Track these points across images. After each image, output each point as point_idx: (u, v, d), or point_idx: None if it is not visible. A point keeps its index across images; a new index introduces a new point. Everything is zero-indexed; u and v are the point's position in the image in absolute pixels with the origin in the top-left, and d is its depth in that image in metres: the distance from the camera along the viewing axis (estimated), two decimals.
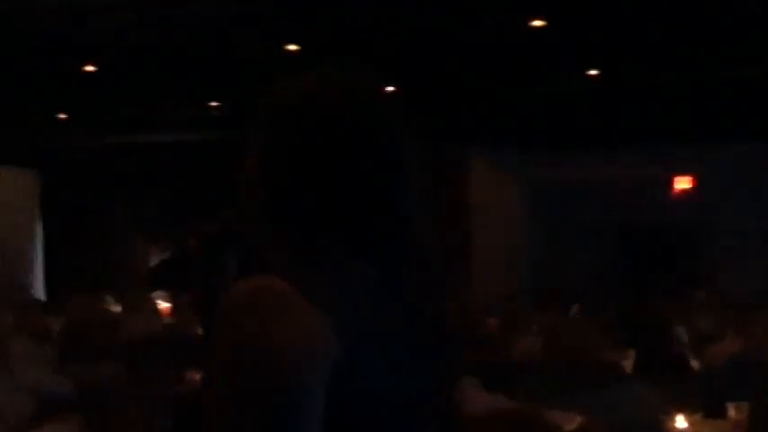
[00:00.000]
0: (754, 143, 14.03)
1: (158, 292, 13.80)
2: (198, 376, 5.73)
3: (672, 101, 12.27)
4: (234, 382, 1.23)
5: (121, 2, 9.09)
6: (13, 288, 13.90)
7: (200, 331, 8.00)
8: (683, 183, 15.58)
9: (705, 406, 4.97)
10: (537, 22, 9.32)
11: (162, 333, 7.65)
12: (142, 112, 13.79)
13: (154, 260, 16.53)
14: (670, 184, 15.62)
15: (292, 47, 10.50)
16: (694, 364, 6.47)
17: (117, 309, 11.75)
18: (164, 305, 12.34)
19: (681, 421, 4.53)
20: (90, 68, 11.53)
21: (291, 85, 1.50)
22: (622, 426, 3.71)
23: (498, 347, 6.32)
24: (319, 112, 1.43)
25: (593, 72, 11.26)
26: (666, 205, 15.46)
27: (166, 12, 9.51)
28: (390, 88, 12.01)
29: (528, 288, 13.96)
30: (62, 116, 14.34)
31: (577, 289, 11.73)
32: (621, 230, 15.47)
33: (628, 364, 5.54)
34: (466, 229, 14.22)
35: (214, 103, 13.56)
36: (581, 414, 3.67)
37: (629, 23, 9.53)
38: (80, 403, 4.93)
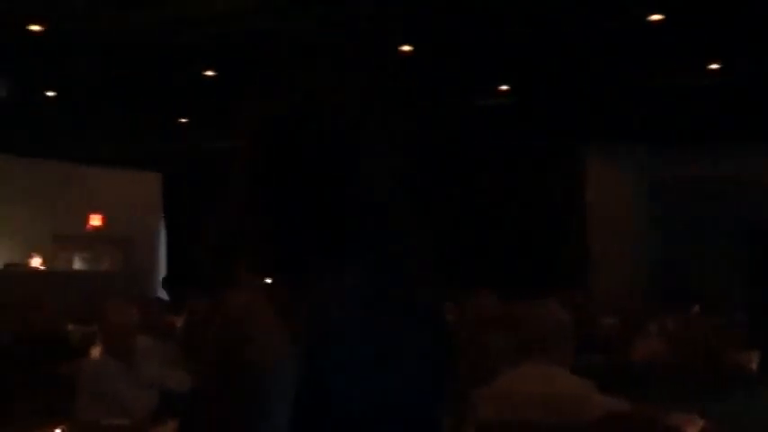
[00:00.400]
0: None
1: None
2: None
3: None
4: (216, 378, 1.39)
5: (237, 10, 9.26)
6: (137, 287, 14.31)
7: None
8: None
9: None
10: (655, 17, 9.14)
11: None
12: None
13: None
14: None
15: (406, 47, 10.52)
16: None
17: None
18: None
19: None
20: (209, 73, 11.80)
21: (272, 98, 1.58)
22: (746, 430, 3.60)
23: (617, 349, 6.19)
24: (300, 125, 1.48)
25: (713, 66, 10.96)
26: None
27: (281, 17, 9.67)
28: (505, 87, 11.92)
29: (648, 289, 13.66)
30: (183, 120, 14.72)
31: (700, 289, 11.42)
32: (751, 229, 14.91)
33: (753, 366, 5.36)
34: (583, 228, 14.00)
35: None
36: (703, 417, 3.57)
37: (748, 15, 9.23)
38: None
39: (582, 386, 3.85)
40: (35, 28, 9.83)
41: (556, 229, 13.82)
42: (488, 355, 4.55)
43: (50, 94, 12.56)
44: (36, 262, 14.31)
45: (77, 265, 15.63)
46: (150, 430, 4.55)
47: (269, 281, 1.50)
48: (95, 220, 16.29)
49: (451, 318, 8.68)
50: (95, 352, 6.90)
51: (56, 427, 4.27)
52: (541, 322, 4.00)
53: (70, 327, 9.51)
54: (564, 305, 4.43)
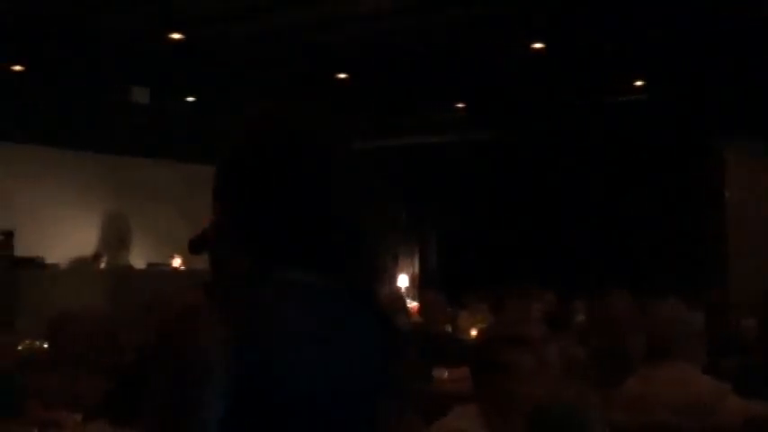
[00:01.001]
0: None
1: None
2: (445, 374, 5.81)
3: None
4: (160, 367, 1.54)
5: (370, 11, 9.36)
6: None
7: (448, 329, 8.12)
8: None
9: None
10: None
11: (410, 330, 7.79)
12: (389, 117, 14.12)
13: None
14: None
15: (538, 45, 10.44)
16: None
17: None
18: (412, 304, 12.58)
19: None
20: (342, 76, 11.97)
21: (243, 125, 1.75)
22: None
23: (755, 350, 5.98)
24: (264, 152, 1.65)
25: None
26: None
27: (414, 18, 9.72)
28: (640, 82, 11.65)
29: None
30: None
31: None
32: None
33: None
34: (721, 224, 13.56)
35: (460, 105, 13.69)
36: None
37: None
38: None
39: (717, 388, 3.75)
40: (175, 36, 10.18)
41: (693, 227, 13.45)
42: (624, 356, 4.48)
43: (190, 99, 12.99)
44: (177, 262, 14.75)
45: None
46: None
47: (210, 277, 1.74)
48: None
49: (585, 318, 8.55)
50: None
51: None
52: (670, 322, 3.92)
53: None
54: (699, 305, 4.33)
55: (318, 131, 1.70)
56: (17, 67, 10.94)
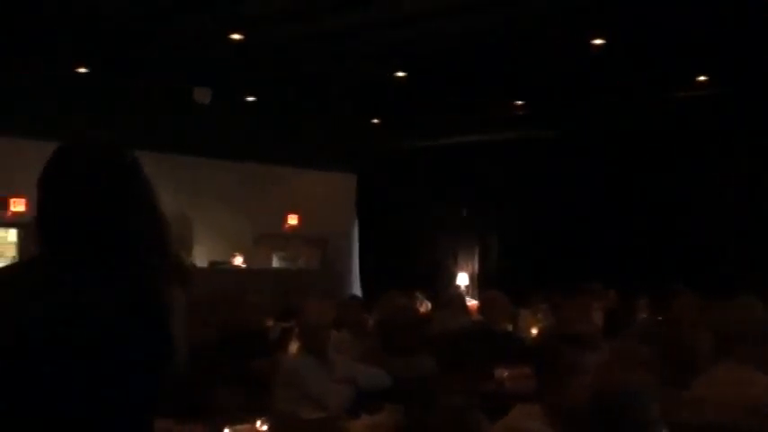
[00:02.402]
0: None
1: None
2: (506, 373, 5.78)
3: None
4: None
5: (428, 10, 9.34)
6: (333, 284, 14.68)
7: (509, 328, 8.09)
8: None
9: None
10: None
11: (471, 329, 7.77)
12: (449, 115, 14.09)
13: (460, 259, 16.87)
14: None
15: (598, 41, 10.32)
16: None
17: (428, 305, 12.12)
18: (473, 302, 12.55)
19: None
20: (400, 74, 11.97)
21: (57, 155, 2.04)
22: None
23: None
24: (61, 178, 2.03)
25: None
26: None
27: (473, 16, 9.68)
28: (703, 78, 11.42)
29: None
30: (376, 121, 14.98)
31: None
32: None
33: None
34: None
35: (519, 102, 13.61)
36: None
37: None
38: (395, 396, 5.10)
39: None
40: (236, 37, 10.27)
41: (760, 225, 13.19)
42: (689, 356, 4.42)
43: (250, 99, 13.09)
44: (238, 260, 14.92)
45: (275, 263, 16.18)
46: (344, 425, 4.66)
47: None
48: (292, 220, 16.83)
49: (649, 317, 8.45)
50: (293, 348, 7.13)
51: (256, 420, 4.44)
52: (736, 322, 3.86)
53: (269, 323, 9.84)
54: (766, 305, 4.25)
55: (88, 158, 2.05)
56: (82, 69, 11.13)
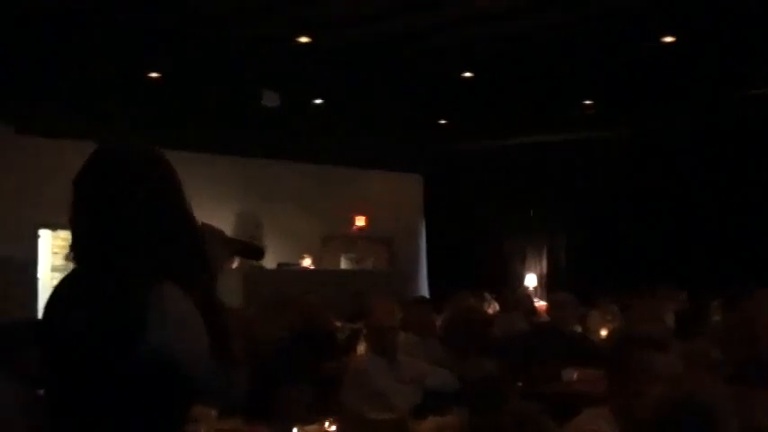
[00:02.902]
0: None
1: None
2: (574, 375, 5.73)
3: None
4: None
5: (495, 10, 9.31)
6: (401, 285, 14.68)
7: (578, 329, 8.01)
8: None
9: None
10: None
11: (539, 330, 7.72)
12: (516, 115, 14.02)
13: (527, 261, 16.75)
14: None
15: (669, 39, 10.18)
16: None
17: (495, 306, 12.06)
18: (540, 303, 12.46)
19: None
20: (468, 74, 11.94)
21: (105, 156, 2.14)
22: None
23: None
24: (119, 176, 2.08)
25: None
26: None
27: (540, 16, 9.63)
28: None
29: None
30: (443, 121, 14.96)
31: None
32: None
33: None
34: None
35: (588, 102, 13.48)
36: None
37: None
38: (462, 397, 5.08)
39: None
40: (303, 39, 10.35)
41: None
42: (764, 359, 4.33)
43: (317, 101, 13.17)
44: (306, 262, 15.00)
45: (343, 264, 16.24)
46: (412, 426, 4.67)
47: None
48: (360, 221, 16.88)
49: (722, 319, 8.29)
50: (361, 349, 7.16)
51: (324, 421, 4.47)
52: None
53: (338, 324, 9.89)
54: None
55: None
56: (153, 74, 11.32)
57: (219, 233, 2.28)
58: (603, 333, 8.81)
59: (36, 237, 12.52)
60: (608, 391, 3.18)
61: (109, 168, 2.10)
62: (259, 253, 2.61)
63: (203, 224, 2.26)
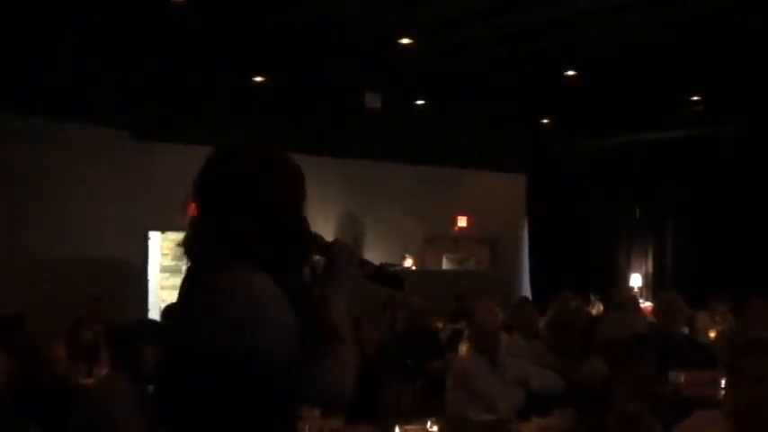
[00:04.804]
0: None
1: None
2: (682, 377, 5.61)
3: None
4: None
5: (599, 8, 9.21)
6: (503, 286, 14.60)
7: (685, 331, 7.85)
8: None
9: None
10: None
11: (645, 332, 7.58)
12: (621, 113, 13.80)
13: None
14: None
15: None
16: None
17: (600, 307, 11.91)
18: (646, 304, 12.24)
19: None
20: (571, 73, 11.81)
21: (225, 159, 2.20)
22: None
23: None
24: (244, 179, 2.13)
25: None
26: None
27: (647, 12, 9.48)
28: None
29: None
30: (545, 121, 14.83)
31: None
32: None
33: None
34: None
35: (695, 98, 13.17)
36: None
37: None
38: (567, 399, 5.04)
39: None
40: (405, 41, 10.39)
41: None
42: None
43: (419, 102, 13.21)
44: (408, 263, 15.06)
45: (445, 265, 16.24)
46: (515, 427, 4.65)
47: None
48: (462, 222, 16.84)
49: None
50: (463, 349, 7.16)
51: (426, 421, 4.49)
52: None
53: (440, 325, 9.91)
54: None
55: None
56: (258, 78, 11.52)
57: (354, 253, 2.31)
58: (712, 335, 8.62)
59: (146, 238, 12.85)
60: (725, 396, 3.09)
61: (226, 170, 2.15)
62: (398, 282, 2.44)
63: (336, 240, 2.30)
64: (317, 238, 2.25)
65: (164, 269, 14.04)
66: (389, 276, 2.43)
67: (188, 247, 2.15)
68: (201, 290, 2.05)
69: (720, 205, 14.50)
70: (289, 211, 2.14)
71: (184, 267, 2.20)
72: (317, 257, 2.25)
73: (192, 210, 2.19)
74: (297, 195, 2.18)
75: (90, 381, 6.26)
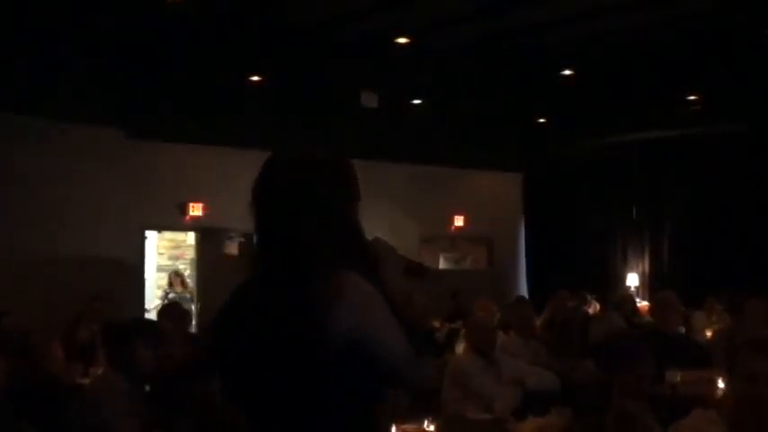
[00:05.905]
0: None
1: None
2: (678, 376, 5.61)
3: None
4: None
5: (597, 7, 9.21)
6: (500, 285, 14.61)
7: (681, 330, 7.85)
8: None
9: None
10: None
11: (641, 331, 7.59)
12: (618, 113, 13.80)
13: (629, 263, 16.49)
14: None
15: None
16: None
17: (596, 306, 11.91)
18: (642, 303, 12.25)
19: None
20: (568, 72, 11.82)
21: (285, 167, 2.24)
22: None
23: None
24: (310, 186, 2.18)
25: None
26: None
27: (644, 11, 9.49)
28: None
29: None
30: (542, 120, 14.83)
31: None
32: None
33: None
34: None
35: (692, 98, 13.18)
36: None
37: None
38: (563, 398, 5.04)
39: None
40: (402, 40, 10.40)
41: None
42: None
43: (416, 101, 13.21)
44: None
45: (442, 264, 16.23)
46: (512, 426, 4.65)
47: None
48: (458, 221, 16.84)
49: None
50: (460, 348, 7.16)
51: (423, 420, 4.49)
52: None
53: (436, 323, 9.90)
54: None
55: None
56: (254, 77, 11.51)
57: (392, 249, 2.39)
58: (708, 334, 8.62)
59: (143, 238, 12.84)
60: (717, 393, 3.10)
61: (284, 177, 2.19)
62: (424, 272, 2.50)
63: (376, 238, 2.39)
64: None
65: (160, 268, 14.03)
66: (417, 267, 2.48)
67: (266, 253, 2.16)
68: (320, 289, 2.05)
69: (717, 205, 14.51)
70: (355, 215, 2.28)
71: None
72: None
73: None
74: (358, 198, 2.33)
75: (86, 380, 6.25)
